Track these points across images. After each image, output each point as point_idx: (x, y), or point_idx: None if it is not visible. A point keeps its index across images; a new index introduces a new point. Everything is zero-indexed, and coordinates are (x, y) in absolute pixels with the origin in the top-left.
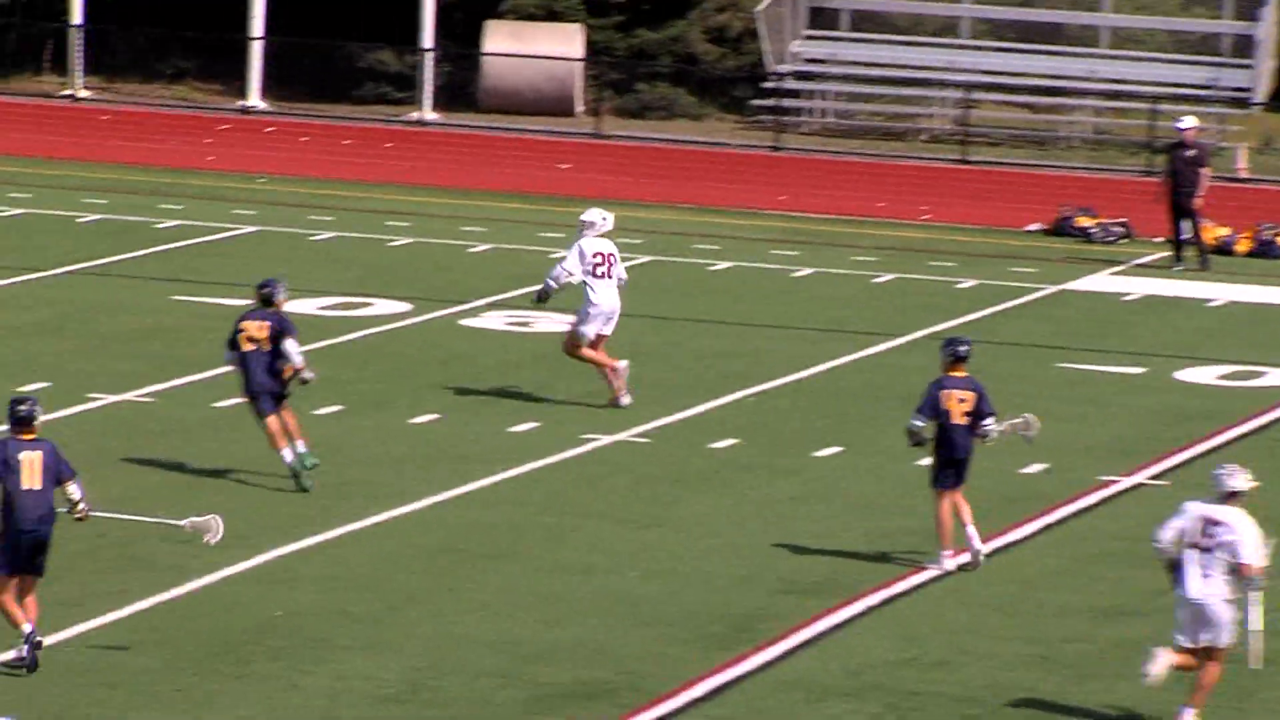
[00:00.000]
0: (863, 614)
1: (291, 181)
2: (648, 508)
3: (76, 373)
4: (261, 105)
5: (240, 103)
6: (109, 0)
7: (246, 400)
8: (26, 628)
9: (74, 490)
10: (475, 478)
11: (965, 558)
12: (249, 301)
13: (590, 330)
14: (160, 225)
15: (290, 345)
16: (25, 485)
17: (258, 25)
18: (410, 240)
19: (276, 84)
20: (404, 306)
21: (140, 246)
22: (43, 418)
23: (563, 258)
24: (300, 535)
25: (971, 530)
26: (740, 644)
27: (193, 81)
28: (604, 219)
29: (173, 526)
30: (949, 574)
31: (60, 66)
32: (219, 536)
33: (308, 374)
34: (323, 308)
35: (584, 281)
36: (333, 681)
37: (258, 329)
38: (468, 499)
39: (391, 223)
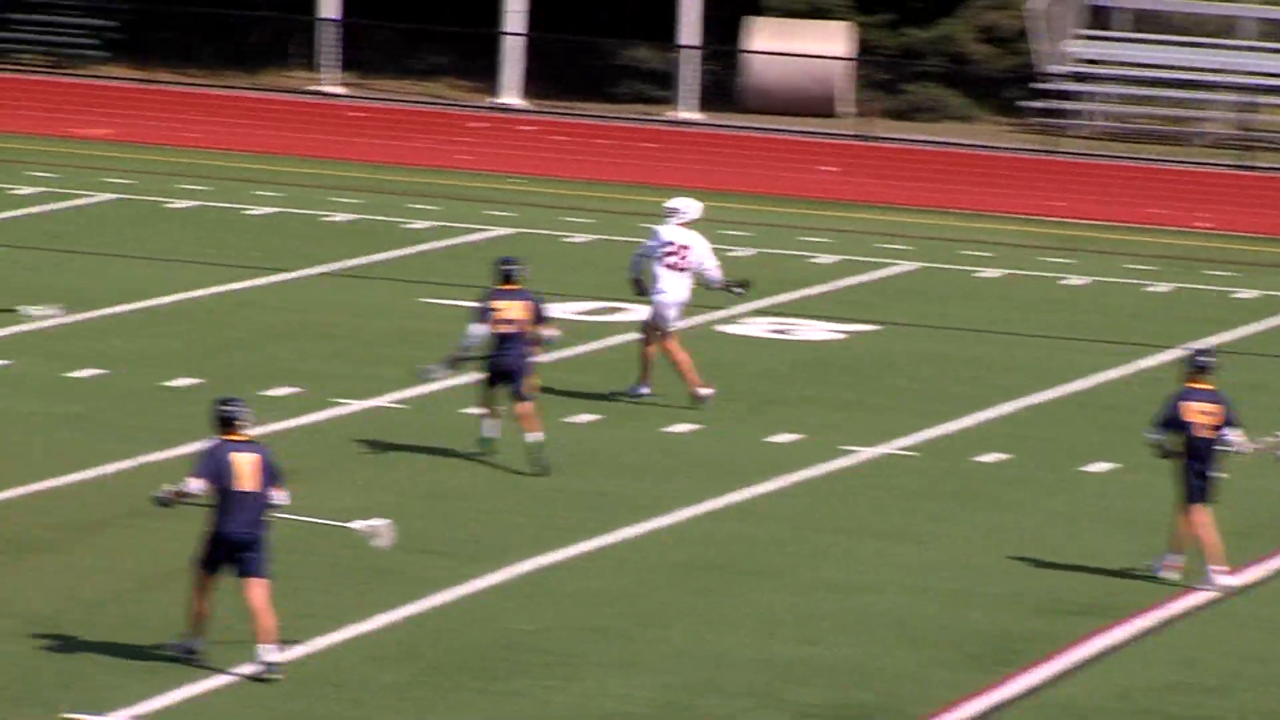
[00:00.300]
0: (1134, 637)
1: (547, 182)
2: (911, 523)
3: (325, 376)
4: (517, 103)
5: (495, 100)
6: None
7: (485, 380)
8: (197, 643)
9: (279, 496)
10: (733, 490)
11: (1234, 579)
12: None
13: (663, 319)
14: (412, 226)
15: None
16: (240, 487)
17: (514, 20)
18: None
19: (532, 81)
20: None
21: (391, 247)
22: (291, 422)
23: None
24: (551, 548)
25: (1174, 557)
26: (1005, 666)
27: (447, 78)
28: (686, 208)
29: (344, 529)
30: (1223, 595)
31: (309, 61)
32: (388, 542)
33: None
34: (579, 312)
35: (654, 268)
36: (583, 700)
37: (520, 309)
38: (725, 512)
39: (649, 225)
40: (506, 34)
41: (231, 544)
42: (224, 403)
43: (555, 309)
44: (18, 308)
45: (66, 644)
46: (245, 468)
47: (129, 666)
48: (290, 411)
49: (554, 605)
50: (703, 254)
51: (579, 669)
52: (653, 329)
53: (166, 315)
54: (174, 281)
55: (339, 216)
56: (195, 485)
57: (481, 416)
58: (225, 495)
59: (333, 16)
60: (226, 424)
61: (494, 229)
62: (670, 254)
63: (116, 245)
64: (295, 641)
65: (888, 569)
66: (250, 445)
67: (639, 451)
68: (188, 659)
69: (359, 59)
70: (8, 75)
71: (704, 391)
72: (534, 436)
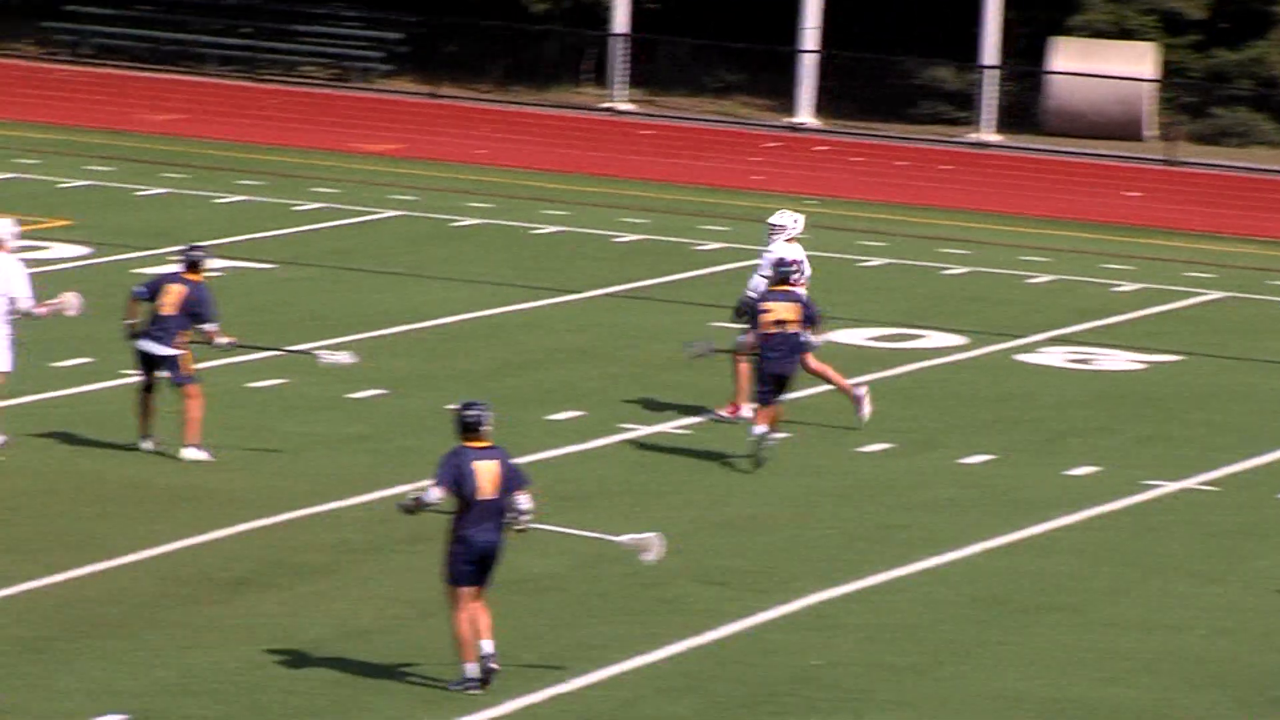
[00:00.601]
0: None
1: (841, 204)
2: (1214, 561)
3: (609, 400)
4: (812, 122)
5: (789, 119)
6: (653, 8)
7: (758, 382)
8: (473, 669)
9: (523, 500)
10: (1029, 524)
11: None
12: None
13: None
14: (701, 247)
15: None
16: (481, 495)
17: (810, 38)
18: (966, 269)
19: (828, 100)
20: (958, 339)
21: (680, 269)
22: (575, 447)
23: (757, 267)
24: (841, 580)
25: None
26: None
27: (740, 96)
28: (795, 222)
29: (610, 542)
30: None
31: (600, 78)
32: (655, 555)
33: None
34: (872, 338)
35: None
36: None
37: (789, 310)
38: (1020, 546)
39: (946, 250)
40: (802, 51)
41: (477, 552)
42: (467, 407)
43: (846, 335)
44: (314, 353)
45: (342, 670)
46: (486, 475)
47: (407, 693)
48: (574, 436)
49: (844, 639)
50: (806, 267)
51: (870, 705)
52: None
53: (450, 335)
54: (458, 301)
55: (627, 237)
56: (435, 494)
57: (756, 424)
58: (466, 503)
59: (623, 31)
60: (469, 429)
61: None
62: (795, 272)
63: (399, 263)
64: (561, 668)
65: (1189, 607)
66: (491, 451)
67: (932, 483)
68: (468, 688)
69: (652, 75)
70: (292, 88)
71: (860, 393)
72: (761, 429)
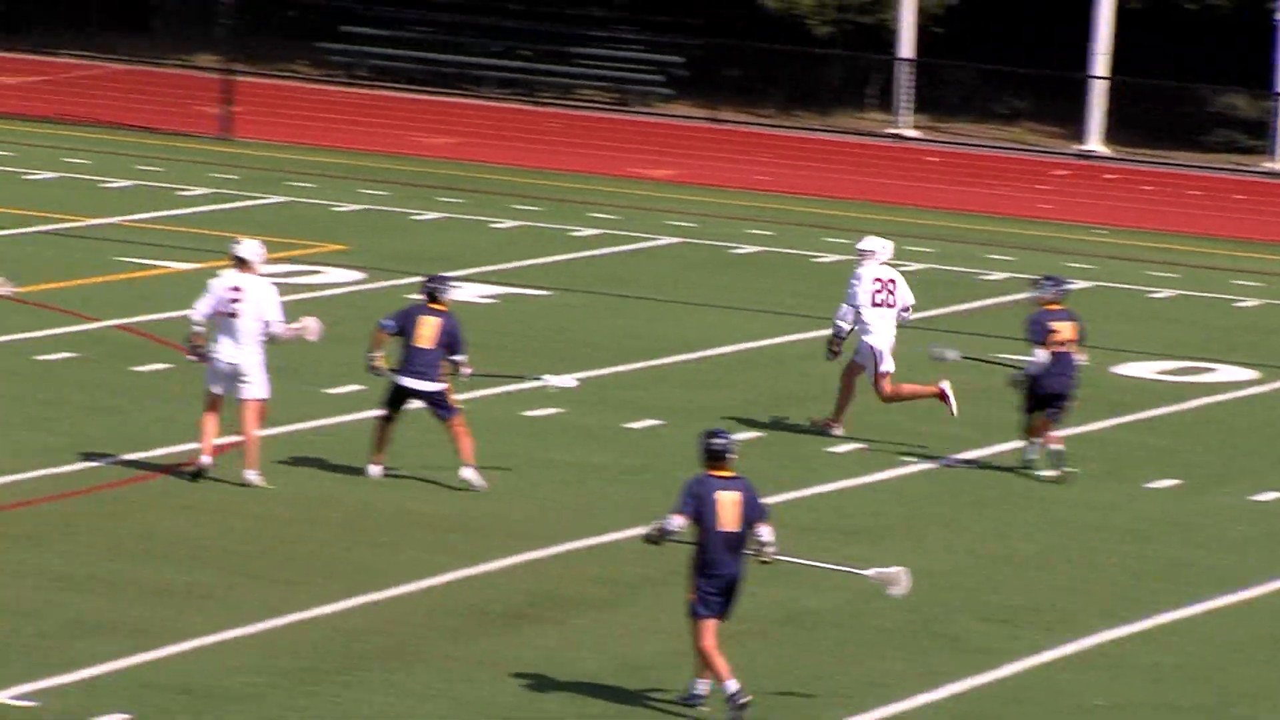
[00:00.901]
0: None
1: (1131, 234)
2: None
3: (889, 432)
4: (1102, 150)
5: (1079, 147)
6: (939, 33)
7: (1031, 405)
8: (731, 685)
9: (765, 532)
10: None
11: None
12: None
13: (885, 367)
14: (987, 277)
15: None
16: (722, 526)
17: (1100, 64)
18: (1259, 301)
19: (1118, 127)
20: (1250, 374)
21: (965, 299)
22: (854, 480)
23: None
24: (1130, 618)
25: None
26: None
27: (1028, 123)
28: (884, 246)
29: (856, 575)
30: None
31: (885, 103)
32: (902, 589)
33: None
34: (1161, 372)
35: (863, 312)
36: None
37: (1071, 330)
38: None
39: (1239, 282)
40: (1091, 78)
41: (721, 583)
42: (712, 435)
43: (1135, 368)
44: (540, 377)
45: (621, 704)
46: (727, 505)
47: None
48: (855, 468)
49: (1130, 680)
50: (905, 289)
51: None
52: (859, 369)
53: (728, 365)
54: (736, 330)
55: (910, 266)
56: (676, 522)
57: (1030, 443)
58: (707, 534)
59: (909, 56)
60: (715, 458)
61: (1074, 282)
62: (879, 291)
63: (677, 290)
64: (831, 703)
65: None
66: (735, 481)
67: (1224, 520)
68: (738, 699)
69: (938, 101)
70: (570, 112)
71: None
72: (1057, 447)
